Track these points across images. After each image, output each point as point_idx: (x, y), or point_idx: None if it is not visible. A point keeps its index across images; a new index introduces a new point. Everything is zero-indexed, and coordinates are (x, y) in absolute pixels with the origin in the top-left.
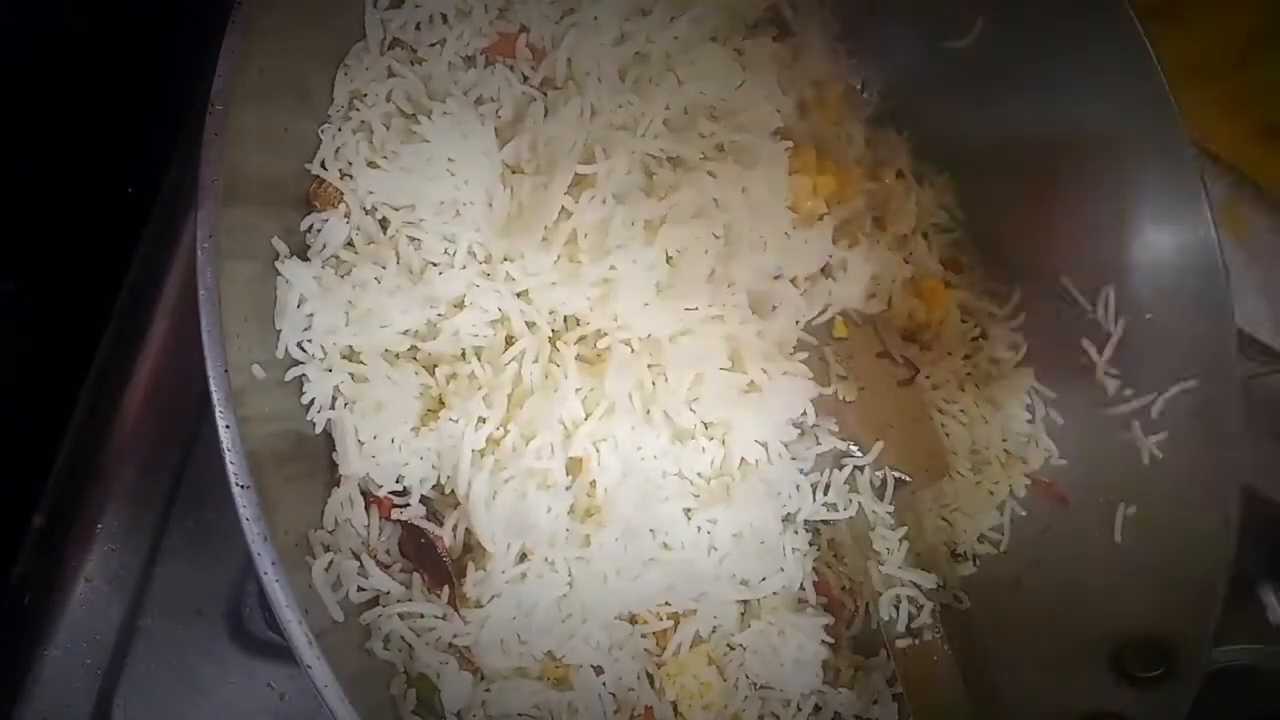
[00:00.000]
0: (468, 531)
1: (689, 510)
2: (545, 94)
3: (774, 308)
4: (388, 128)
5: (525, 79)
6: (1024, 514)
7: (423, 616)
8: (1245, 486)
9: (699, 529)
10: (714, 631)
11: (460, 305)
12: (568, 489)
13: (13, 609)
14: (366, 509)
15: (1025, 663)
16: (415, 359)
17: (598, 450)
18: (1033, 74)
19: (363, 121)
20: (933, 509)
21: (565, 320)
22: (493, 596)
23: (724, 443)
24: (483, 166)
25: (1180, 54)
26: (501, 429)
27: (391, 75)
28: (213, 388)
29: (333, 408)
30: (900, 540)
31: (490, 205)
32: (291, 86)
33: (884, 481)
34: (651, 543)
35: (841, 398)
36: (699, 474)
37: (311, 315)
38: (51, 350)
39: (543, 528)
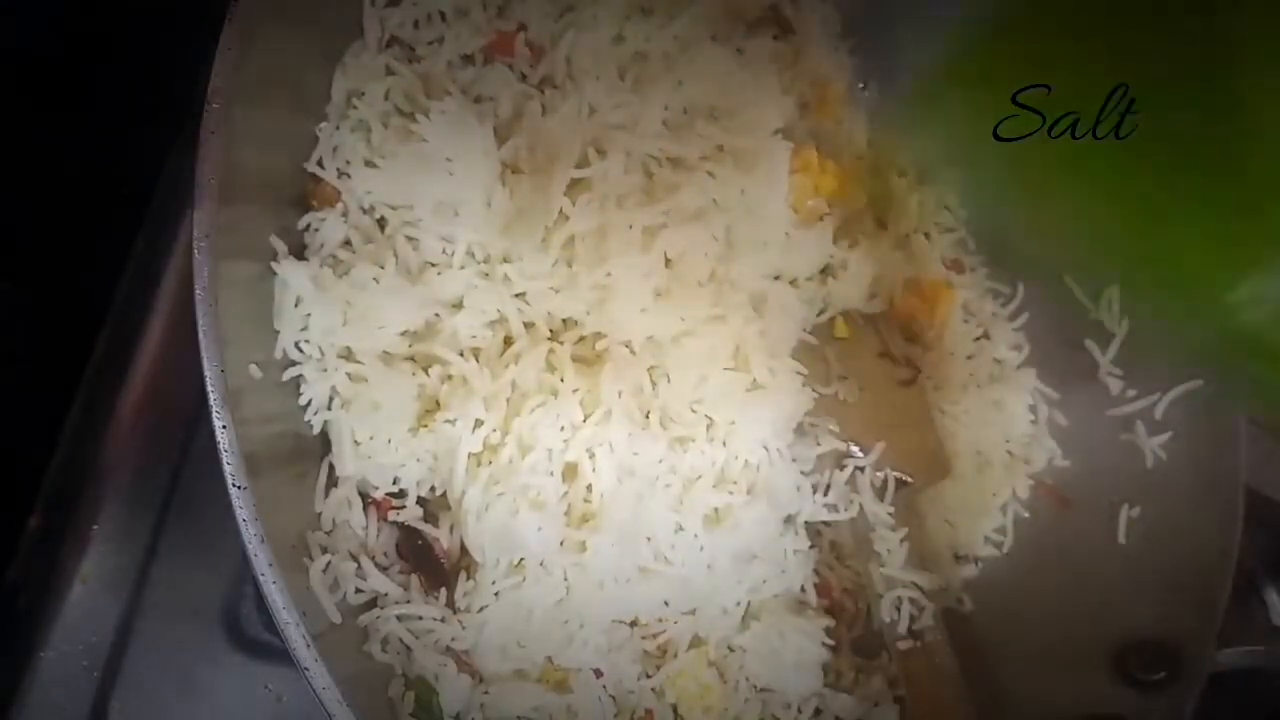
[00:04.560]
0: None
1: (689, 530)
2: (544, 92)
3: (775, 308)
4: (386, 126)
5: (524, 77)
6: (1027, 515)
7: (421, 619)
8: (1248, 487)
9: (701, 548)
10: (714, 634)
11: (458, 306)
12: (564, 496)
13: (8, 610)
14: (364, 510)
15: (1028, 665)
16: (413, 359)
17: (593, 455)
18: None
19: (360, 120)
20: (934, 510)
21: (564, 322)
22: (483, 606)
23: (725, 444)
24: (481, 166)
25: None
26: (498, 433)
27: (389, 73)
28: (209, 388)
29: (330, 408)
30: (901, 541)
31: (489, 205)
32: (289, 85)
33: (885, 482)
34: (647, 550)
35: (842, 398)
36: (698, 478)
37: (309, 315)
38: (48, 350)
39: (531, 547)
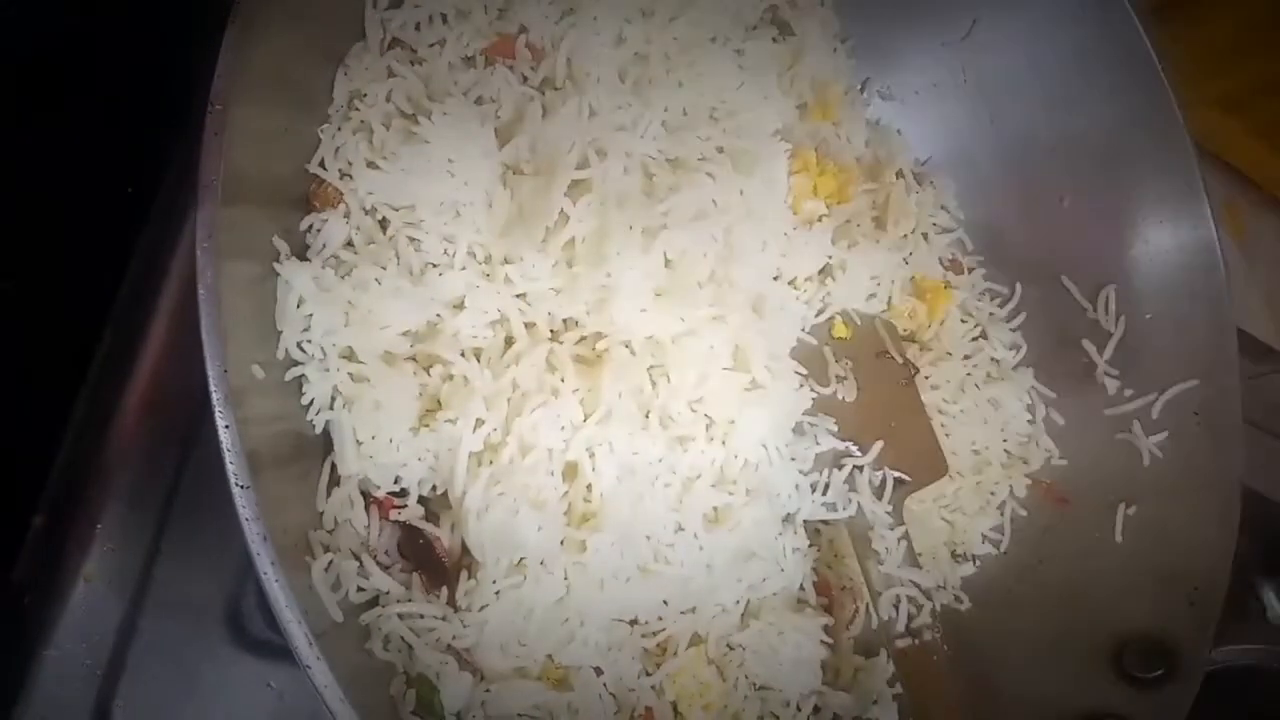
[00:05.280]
0: None
1: (689, 530)
2: (544, 94)
3: (774, 309)
4: (387, 128)
5: (525, 79)
6: (1024, 514)
7: (422, 617)
8: (1245, 486)
9: (701, 548)
10: (713, 632)
11: (460, 306)
12: (564, 496)
13: (12, 609)
14: (366, 509)
15: (1025, 663)
16: (414, 359)
17: (593, 455)
18: (1033, 73)
19: (362, 121)
20: (933, 509)
21: (564, 322)
22: (484, 605)
23: (724, 443)
24: (482, 167)
25: (1181, 54)
26: (499, 433)
27: (391, 75)
28: (212, 388)
29: (332, 408)
30: (899, 540)
31: (490, 206)
32: (291, 86)
33: (883, 481)
34: (647, 549)
35: (841, 398)
36: (698, 478)
37: (311, 316)
38: (51, 350)
39: (531, 546)
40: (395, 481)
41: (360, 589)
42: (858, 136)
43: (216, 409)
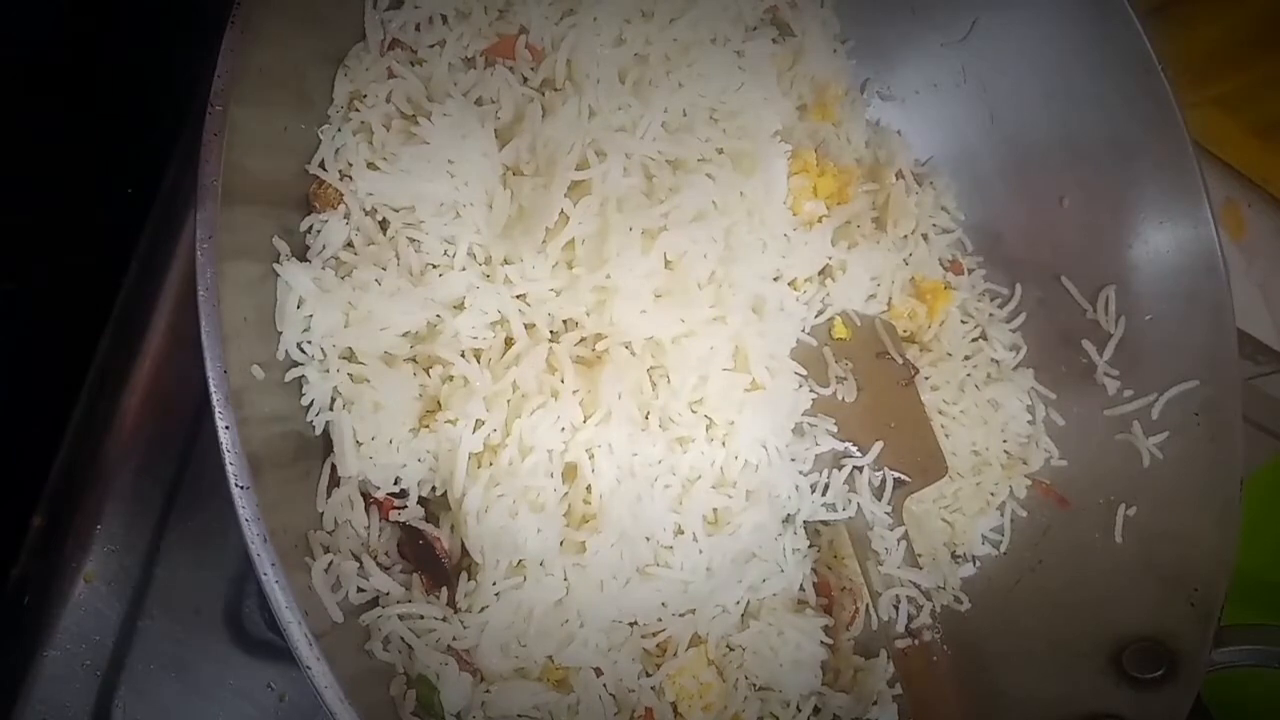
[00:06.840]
0: None
1: (689, 532)
2: (544, 95)
3: (774, 309)
4: (387, 129)
5: (525, 80)
6: (1024, 515)
7: (422, 618)
8: (1245, 486)
9: (700, 550)
10: (713, 632)
11: (460, 307)
12: (564, 497)
13: (12, 609)
14: (366, 510)
15: (1025, 664)
16: (414, 360)
17: (592, 456)
18: (1033, 74)
19: (362, 122)
20: (933, 510)
21: (565, 323)
22: (484, 606)
23: (724, 444)
24: (482, 168)
25: (1180, 54)
26: (499, 434)
27: (391, 76)
28: (212, 389)
29: (331, 409)
30: (899, 541)
31: (490, 207)
32: (291, 87)
33: (883, 482)
34: (647, 550)
35: (841, 398)
36: (698, 479)
37: (311, 316)
38: (51, 350)
39: (530, 549)
40: (395, 482)
41: (360, 590)
42: (858, 137)
43: (216, 409)
